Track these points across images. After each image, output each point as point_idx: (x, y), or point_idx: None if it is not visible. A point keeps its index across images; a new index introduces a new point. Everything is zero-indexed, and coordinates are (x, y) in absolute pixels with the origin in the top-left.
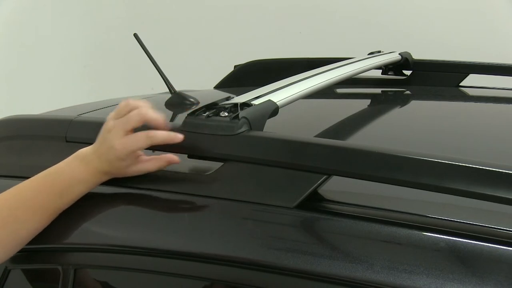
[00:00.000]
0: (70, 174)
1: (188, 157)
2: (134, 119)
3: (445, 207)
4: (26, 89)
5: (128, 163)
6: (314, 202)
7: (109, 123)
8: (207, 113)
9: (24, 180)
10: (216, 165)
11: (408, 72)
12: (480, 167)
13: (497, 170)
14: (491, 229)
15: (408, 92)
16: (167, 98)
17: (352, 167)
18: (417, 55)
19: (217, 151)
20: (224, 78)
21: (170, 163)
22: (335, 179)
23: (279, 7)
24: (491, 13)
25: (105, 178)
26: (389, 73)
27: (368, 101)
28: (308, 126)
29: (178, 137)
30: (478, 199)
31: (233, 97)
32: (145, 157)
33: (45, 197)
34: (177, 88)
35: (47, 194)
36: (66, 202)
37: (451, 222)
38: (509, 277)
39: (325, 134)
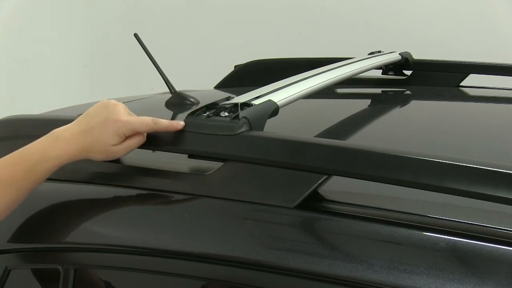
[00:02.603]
0: (41, 151)
1: (188, 157)
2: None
3: (445, 207)
4: (26, 89)
5: (119, 142)
6: (314, 202)
7: (112, 101)
8: (207, 113)
9: None
10: (216, 165)
11: (408, 72)
12: (480, 167)
13: (497, 170)
14: (491, 229)
15: (408, 92)
16: (167, 98)
17: (352, 167)
18: (417, 55)
19: (217, 151)
20: (224, 78)
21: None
22: (335, 179)
23: (279, 7)
24: (491, 13)
25: (79, 156)
26: (389, 73)
27: (368, 101)
28: (308, 126)
29: (180, 124)
30: (478, 199)
31: (233, 97)
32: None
33: (14, 172)
34: (177, 88)
35: (17, 170)
36: (35, 178)
37: (451, 222)
38: (509, 277)
39: (325, 134)
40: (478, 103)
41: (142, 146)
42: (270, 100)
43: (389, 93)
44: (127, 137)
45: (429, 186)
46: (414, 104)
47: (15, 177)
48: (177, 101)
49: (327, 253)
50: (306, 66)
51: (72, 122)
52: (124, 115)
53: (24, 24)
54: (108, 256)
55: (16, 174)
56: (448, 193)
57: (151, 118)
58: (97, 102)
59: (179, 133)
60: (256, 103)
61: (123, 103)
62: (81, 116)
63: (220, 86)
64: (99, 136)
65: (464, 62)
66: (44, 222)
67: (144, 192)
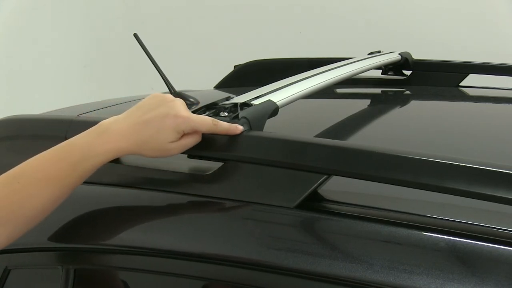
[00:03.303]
0: (87, 146)
1: (188, 157)
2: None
3: (445, 207)
4: (26, 89)
5: (177, 139)
6: (314, 202)
7: (168, 95)
8: (207, 113)
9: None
10: (216, 165)
11: (408, 72)
12: (480, 167)
13: (497, 170)
14: (491, 229)
15: (408, 92)
16: None
17: (352, 167)
18: (417, 55)
19: (217, 151)
20: (224, 78)
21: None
22: (335, 179)
23: (279, 7)
24: (491, 13)
25: (129, 153)
26: (389, 73)
27: (368, 101)
28: (308, 126)
29: (239, 128)
30: (478, 199)
31: (233, 97)
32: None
33: (57, 169)
34: (177, 88)
35: (60, 166)
36: (79, 175)
37: (451, 222)
38: (509, 277)
39: (325, 134)
40: (478, 103)
41: None
42: (270, 100)
43: (389, 93)
44: (184, 135)
45: (429, 186)
46: (414, 104)
47: (59, 173)
48: None
49: (327, 253)
50: (306, 66)
51: (122, 114)
52: (185, 111)
53: (24, 24)
54: (108, 256)
55: (60, 170)
56: (448, 193)
57: (211, 118)
58: (98, 101)
59: None
60: (256, 103)
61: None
62: (132, 108)
63: (220, 86)
64: (156, 133)
65: (464, 62)
66: (44, 222)
67: (144, 192)
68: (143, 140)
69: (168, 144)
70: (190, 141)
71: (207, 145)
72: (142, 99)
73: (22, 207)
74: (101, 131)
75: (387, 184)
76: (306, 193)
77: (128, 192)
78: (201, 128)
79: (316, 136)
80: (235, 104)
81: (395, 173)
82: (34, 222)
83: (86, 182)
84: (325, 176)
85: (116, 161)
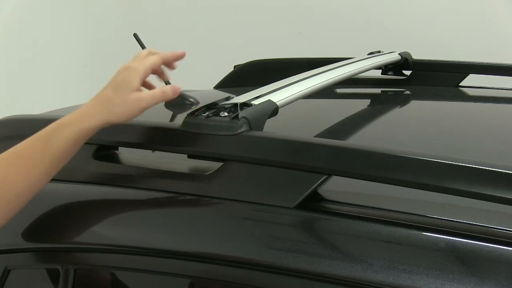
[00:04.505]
0: (57, 121)
1: (188, 157)
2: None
3: (445, 207)
4: (26, 89)
5: (140, 85)
6: (314, 202)
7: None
8: (207, 113)
9: None
10: (216, 165)
11: (408, 72)
12: (480, 167)
13: (497, 170)
14: (491, 229)
15: (408, 92)
16: None
17: (352, 167)
18: (417, 55)
19: (217, 151)
20: (224, 78)
21: (166, 93)
22: (335, 179)
23: (279, 7)
24: (491, 13)
25: (101, 119)
26: (389, 73)
27: (368, 101)
28: (308, 126)
29: (182, 53)
30: (478, 199)
31: (233, 97)
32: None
33: (32, 148)
34: None
35: (34, 145)
36: (54, 152)
37: (451, 222)
38: (509, 277)
39: (325, 134)
40: (478, 103)
41: (142, 146)
42: (269, 100)
43: (389, 93)
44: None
45: (429, 186)
46: (414, 104)
47: (32, 153)
48: (177, 101)
49: (327, 253)
50: (306, 66)
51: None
52: (133, 64)
53: (24, 24)
54: (108, 256)
55: (33, 150)
56: (448, 193)
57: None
58: None
59: (179, 133)
60: (256, 103)
61: None
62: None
63: (219, 86)
64: (118, 87)
65: (464, 62)
66: (44, 222)
67: (144, 192)
68: (108, 98)
69: (134, 94)
70: (158, 90)
71: (207, 145)
72: None
73: (7, 189)
74: (74, 109)
75: (387, 184)
76: (306, 193)
77: (128, 192)
78: (152, 63)
79: (316, 136)
80: (235, 104)
81: (395, 173)
82: (19, 205)
83: (86, 182)
84: (325, 176)
85: (116, 161)
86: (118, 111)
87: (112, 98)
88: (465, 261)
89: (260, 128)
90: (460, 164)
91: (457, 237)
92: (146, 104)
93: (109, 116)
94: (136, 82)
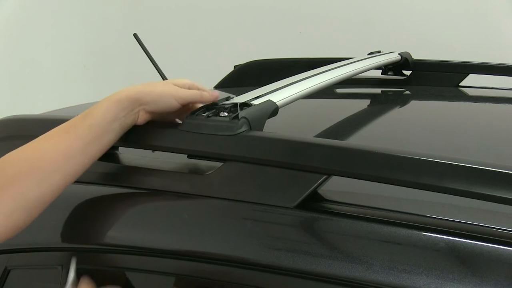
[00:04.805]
0: (84, 113)
1: (188, 157)
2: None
3: (445, 207)
4: (26, 89)
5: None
6: (314, 202)
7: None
8: (207, 113)
9: None
10: (216, 165)
11: (408, 72)
12: (480, 167)
13: (497, 170)
14: (491, 229)
15: (408, 92)
16: None
17: (352, 167)
18: (417, 55)
19: (217, 151)
20: (224, 78)
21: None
22: (335, 179)
23: (279, 7)
24: (491, 13)
25: (133, 102)
26: (389, 73)
27: (368, 101)
28: (308, 126)
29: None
30: (478, 199)
31: (233, 97)
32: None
33: (75, 119)
34: None
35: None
36: (95, 119)
37: (451, 222)
38: (509, 277)
39: (325, 134)
40: (478, 103)
41: (142, 146)
42: (269, 100)
43: (389, 93)
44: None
45: (429, 186)
46: (414, 104)
47: (71, 122)
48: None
49: (327, 253)
50: (306, 66)
51: None
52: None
53: (24, 24)
54: (108, 256)
55: (72, 121)
56: (448, 193)
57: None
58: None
59: (179, 133)
60: (256, 103)
61: None
62: None
63: (219, 86)
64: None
65: (464, 62)
66: (44, 222)
67: (144, 192)
68: (139, 88)
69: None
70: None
71: (207, 145)
72: None
73: (35, 187)
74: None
75: (387, 184)
76: (306, 193)
77: (128, 192)
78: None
79: (316, 136)
80: (235, 104)
81: (395, 173)
82: (45, 203)
83: (86, 182)
84: (325, 176)
85: (116, 161)
86: (155, 90)
87: (144, 87)
88: (465, 261)
89: (260, 128)
90: (460, 164)
91: (457, 237)
92: (184, 95)
93: (142, 95)
94: (179, 94)
